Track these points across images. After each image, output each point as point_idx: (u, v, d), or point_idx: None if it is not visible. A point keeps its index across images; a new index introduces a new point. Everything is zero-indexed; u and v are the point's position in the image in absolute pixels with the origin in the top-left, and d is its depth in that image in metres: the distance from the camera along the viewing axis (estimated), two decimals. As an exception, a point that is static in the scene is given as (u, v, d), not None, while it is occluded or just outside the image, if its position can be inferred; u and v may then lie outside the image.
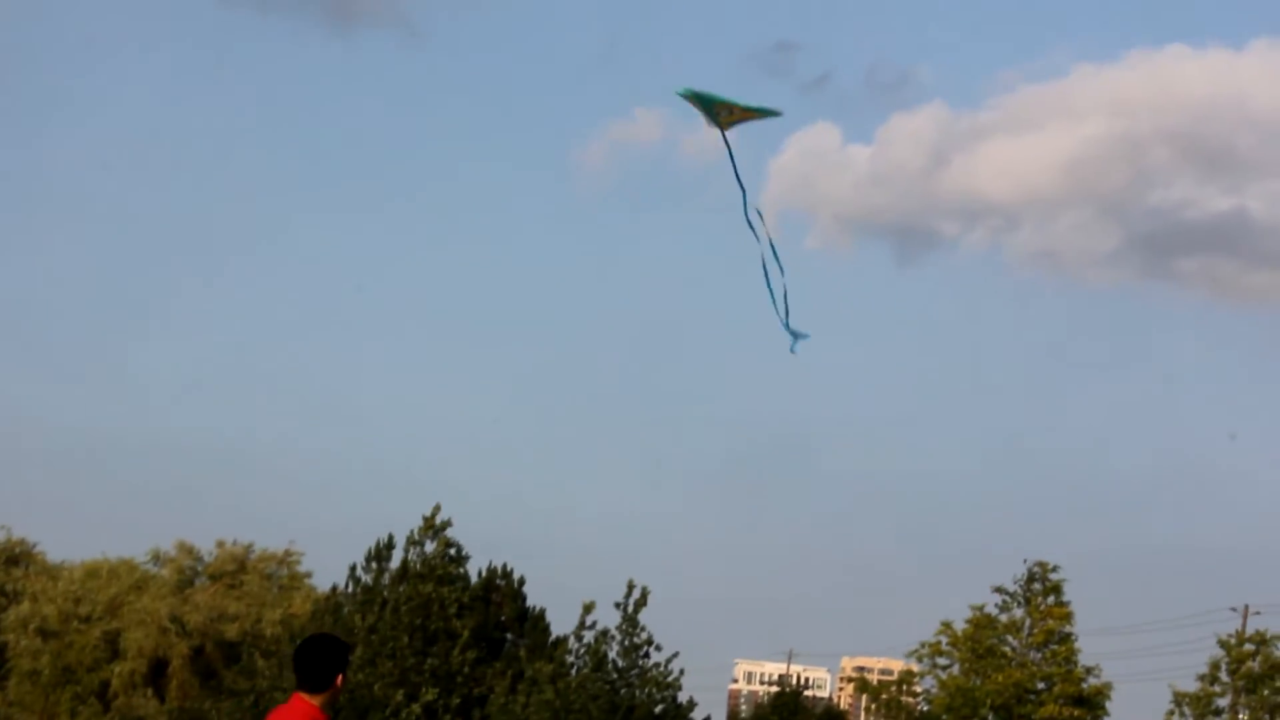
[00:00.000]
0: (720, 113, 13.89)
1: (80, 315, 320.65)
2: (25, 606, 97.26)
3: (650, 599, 74.91)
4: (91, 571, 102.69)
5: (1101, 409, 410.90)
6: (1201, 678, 79.42)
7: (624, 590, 74.91)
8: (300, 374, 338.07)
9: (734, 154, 13.66)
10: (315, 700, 8.59)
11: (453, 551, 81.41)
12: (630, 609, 74.33)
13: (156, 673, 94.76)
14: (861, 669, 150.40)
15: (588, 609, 77.11)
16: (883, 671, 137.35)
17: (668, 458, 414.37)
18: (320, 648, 8.92)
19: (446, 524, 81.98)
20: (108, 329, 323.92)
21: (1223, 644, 79.68)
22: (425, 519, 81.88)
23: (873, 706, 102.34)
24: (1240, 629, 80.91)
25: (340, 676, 8.63)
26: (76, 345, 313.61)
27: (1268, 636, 79.40)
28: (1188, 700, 79.01)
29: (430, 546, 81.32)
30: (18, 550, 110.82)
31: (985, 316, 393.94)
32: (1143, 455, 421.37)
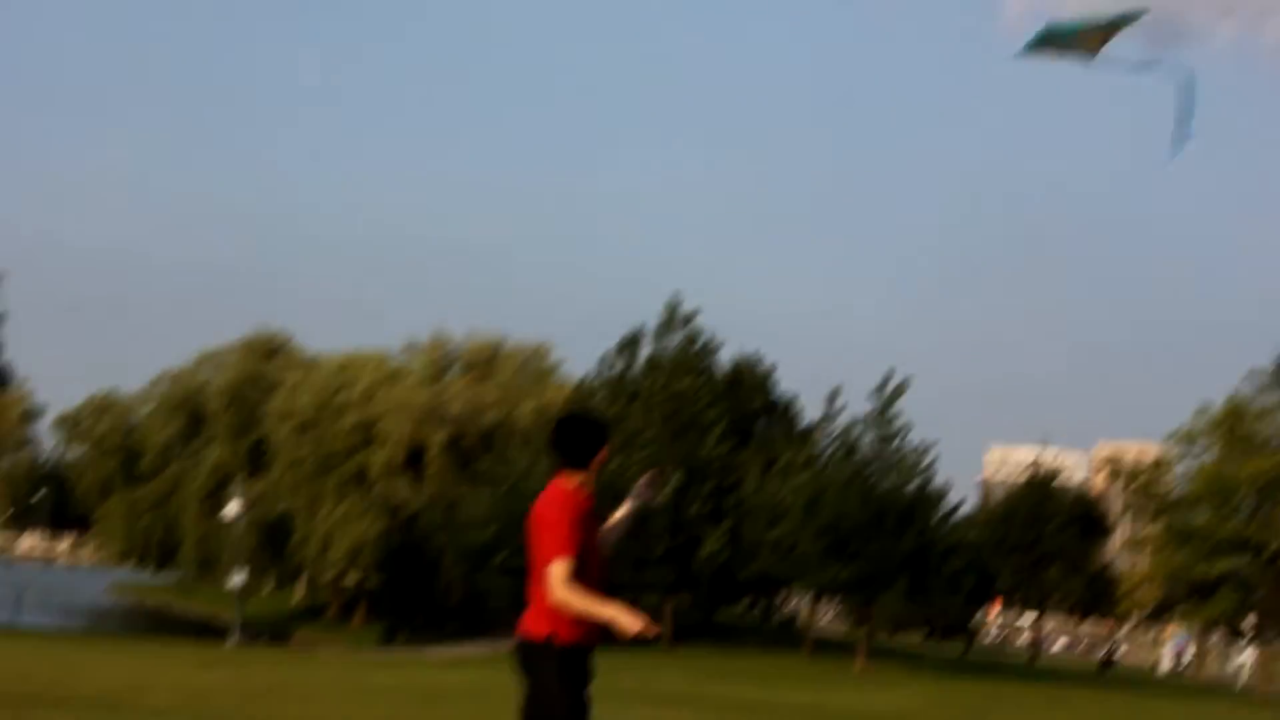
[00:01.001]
0: (1083, 41, 11.76)
1: (339, 106, 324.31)
2: (283, 397, 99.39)
3: (906, 390, 74.87)
4: (346, 363, 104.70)
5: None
6: None
7: (878, 380, 74.97)
8: (546, 172, 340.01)
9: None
10: (575, 479, 8.65)
11: (700, 343, 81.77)
12: (886, 398, 74.30)
13: (413, 459, 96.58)
14: (1116, 452, 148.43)
15: (833, 397, 77.25)
16: (1138, 454, 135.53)
17: (922, 243, 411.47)
18: (579, 425, 8.93)
19: (693, 314, 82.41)
20: (372, 123, 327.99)
21: None
22: (668, 308, 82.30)
23: (1127, 491, 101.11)
24: None
25: (600, 454, 8.64)
26: (336, 136, 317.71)
27: None
28: None
29: (677, 337, 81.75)
30: (275, 343, 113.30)
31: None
32: None
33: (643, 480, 8.83)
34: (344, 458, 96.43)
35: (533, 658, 8.18)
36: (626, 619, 8.10)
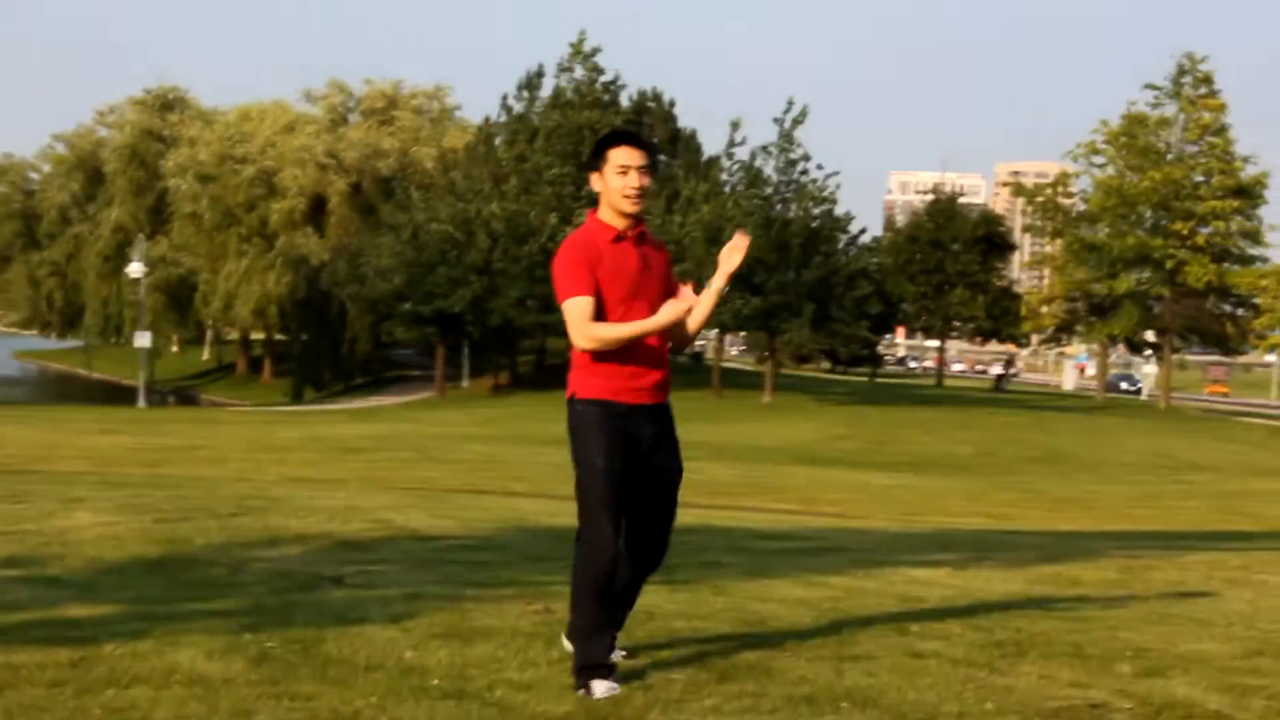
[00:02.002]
0: None
1: None
2: (182, 151, 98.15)
3: (806, 116, 74.58)
4: (245, 114, 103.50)
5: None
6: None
7: (781, 109, 74.70)
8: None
9: None
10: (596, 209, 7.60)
11: (603, 78, 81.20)
12: (787, 125, 74.09)
13: (315, 210, 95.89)
14: (1016, 173, 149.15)
15: (735, 126, 76.98)
16: (1038, 175, 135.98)
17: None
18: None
19: (595, 50, 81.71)
20: None
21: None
22: (573, 45, 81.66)
23: (1029, 209, 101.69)
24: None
25: (605, 158, 7.42)
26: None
27: None
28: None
29: (580, 73, 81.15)
30: (171, 96, 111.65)
31: None
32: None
33: (727, 247, 7.56)
34: (246, 210, 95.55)
35: (567, 420, 7.29)
36: (669, 310, 7.21)
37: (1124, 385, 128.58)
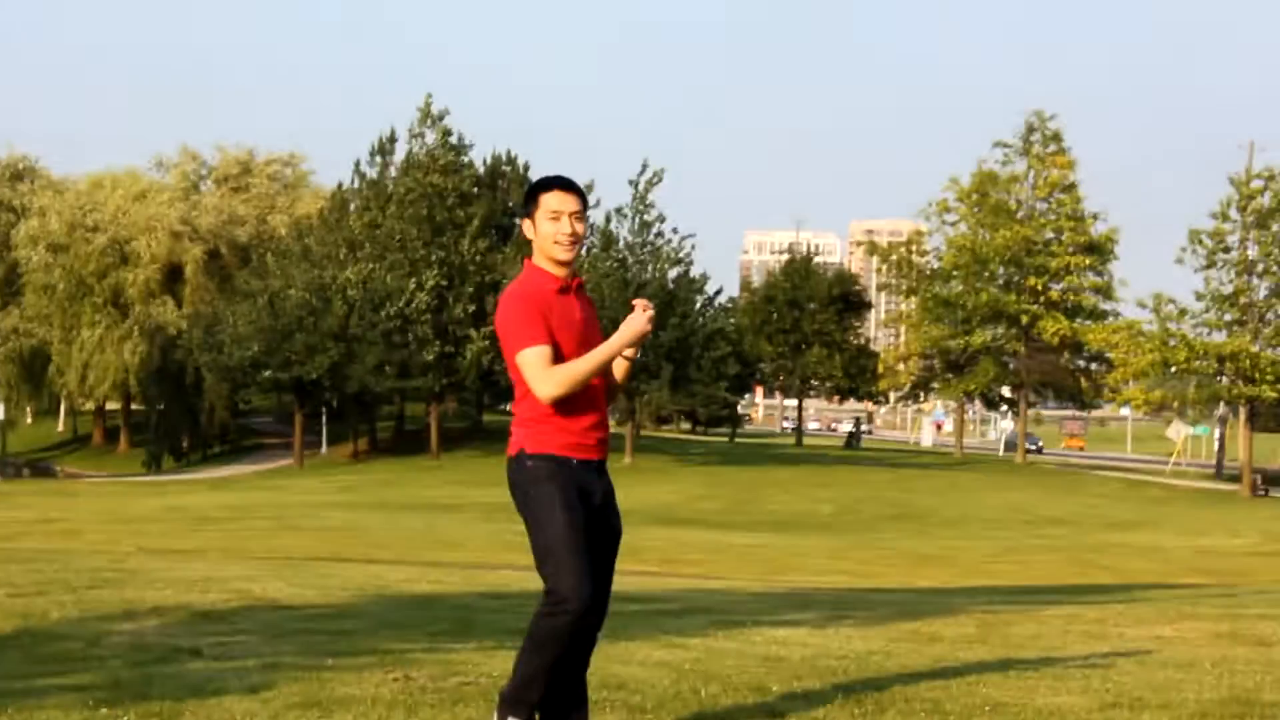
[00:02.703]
0: None
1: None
2: (33, 221, 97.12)
3: (661, 179, 74.91)
4: (97, 183, 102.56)
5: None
6: (1213, 215, 79.08)
7: (636, 170, 74.95)
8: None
9: None
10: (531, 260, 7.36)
11: (454, 140, 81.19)
12: (642, 188, 74.36)
13: (171, 278, 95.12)
14: (870, 232, 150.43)
15: (588, 189, 77.20)
16: (891, 233, 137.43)
17: (665, 25, 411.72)
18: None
19: (444, 113, 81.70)
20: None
21: (1233, 181, 79.13)
22: (421, 109, 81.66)
23: (883, 268, 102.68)
24: (1248, 165, 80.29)
25: (536, 204, 7.25)
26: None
27: (1276, 172, 78.89)
28: (1200, 238, 78.85)
29: (431, 138, 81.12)
30: (21, 166, 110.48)
31: None
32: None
33: (636, 314, 7.22)
34: (98, 279, 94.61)
35: (511, 480, 7.00)
36: (627, 330, 7.00)
37: (1030, 446, 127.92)
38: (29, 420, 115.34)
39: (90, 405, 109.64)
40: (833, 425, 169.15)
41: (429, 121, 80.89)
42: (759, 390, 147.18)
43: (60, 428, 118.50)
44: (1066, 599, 17.06)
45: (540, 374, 6.84)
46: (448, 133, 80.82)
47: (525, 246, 78.85)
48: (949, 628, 12.53)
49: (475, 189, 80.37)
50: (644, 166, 74.00)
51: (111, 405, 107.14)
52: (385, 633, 11.02)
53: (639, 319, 7.02)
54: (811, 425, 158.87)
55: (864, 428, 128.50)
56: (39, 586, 13.68)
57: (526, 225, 7.25)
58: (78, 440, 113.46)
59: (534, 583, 7.27)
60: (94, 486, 69.90)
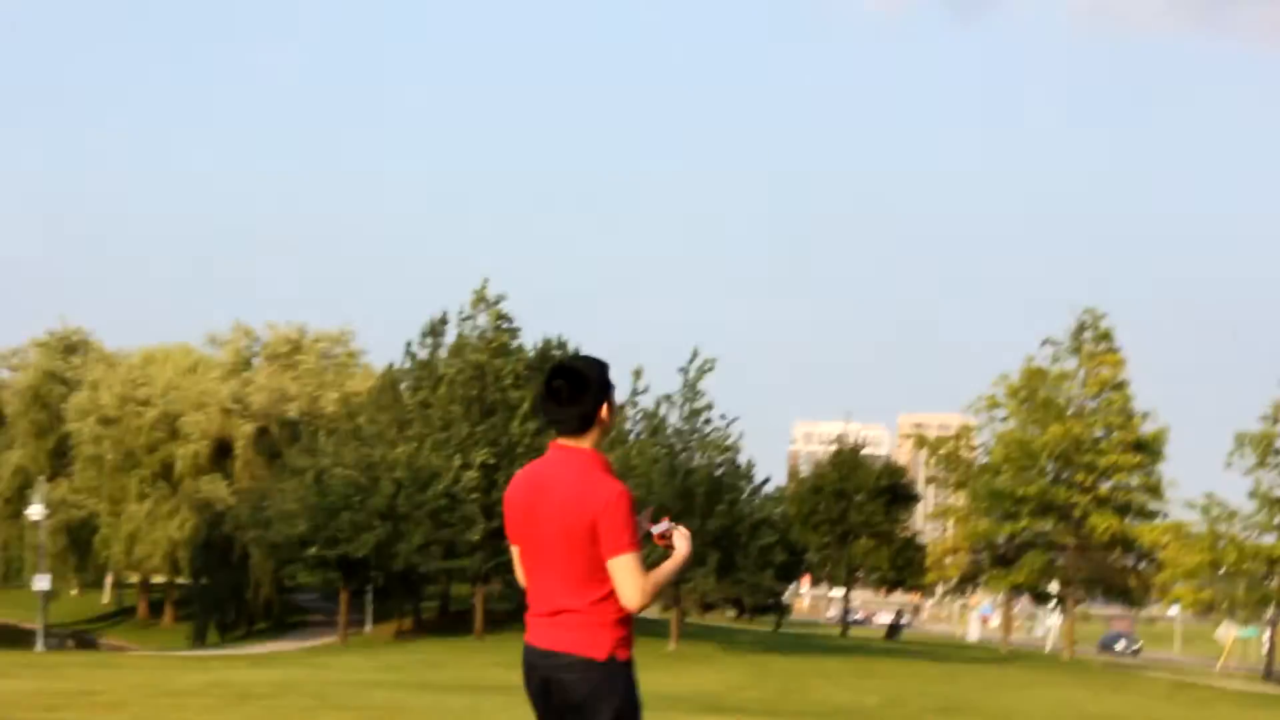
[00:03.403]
0: None
1: (126, 103, 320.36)
2: (85, 394, 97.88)
3: (712, 367, 75.19)
4: (149, 356, 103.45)
5: (1145, 154, 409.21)
6: (1263, 418, 79.02)
7: (687, 357, 75.23)
8: (339, 153, 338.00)
9: None
10: (585, 442, 6.93)
11: (506, 324, 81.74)
12: (692, 376, 74.60)
13: (220, 454, 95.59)
14: (919, 425, 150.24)
15: (637, 375, 77.64)
16: (940, 427, 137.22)
17: (719, 218, 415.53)
18: (590, 369, 7.07)
19: (500, 298, 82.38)
20: (157, 114, 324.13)
21: (1282, 385, 79.30)
22: (475, 293, 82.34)
23: (931, 461, 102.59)
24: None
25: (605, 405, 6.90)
26: (126, 133, 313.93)
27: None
28: (1250, 441, 78.68)
29: (483, 320, 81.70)
30: (74, 338, 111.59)
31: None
32: (1194, 196, 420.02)
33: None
34: (148, 453, 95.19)
35: (602, 689, 6.62)
36: (682, 545, 6.87)
37: (1119, 646, 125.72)
38: (74, 592, 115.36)
39: (136, 578, 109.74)
40: (871, 617, 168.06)
41: (482, 304, 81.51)
42: (806, 579, 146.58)
43: (105, 600, 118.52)
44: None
45: (640, 580, 6.66)
46: (501, 316, 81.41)
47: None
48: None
49: (526, 371, 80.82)
50: (694, 354, 74.30)
51: (157, 579, 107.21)
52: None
53: (685, 546, 6.97)
54: (864, 615, 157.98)
55: (905, 619, 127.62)
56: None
57: (605, 410, 6.98)
58: (122, 613, 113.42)
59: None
60: (137, 659, 69.78)
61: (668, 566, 6.89)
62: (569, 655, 6.79)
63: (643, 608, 6.71)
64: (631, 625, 6.79)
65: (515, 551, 7.06)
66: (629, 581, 6.62)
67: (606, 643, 6.72)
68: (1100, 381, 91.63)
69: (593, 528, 6.68)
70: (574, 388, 6.97)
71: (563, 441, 6.99)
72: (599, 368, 7.02)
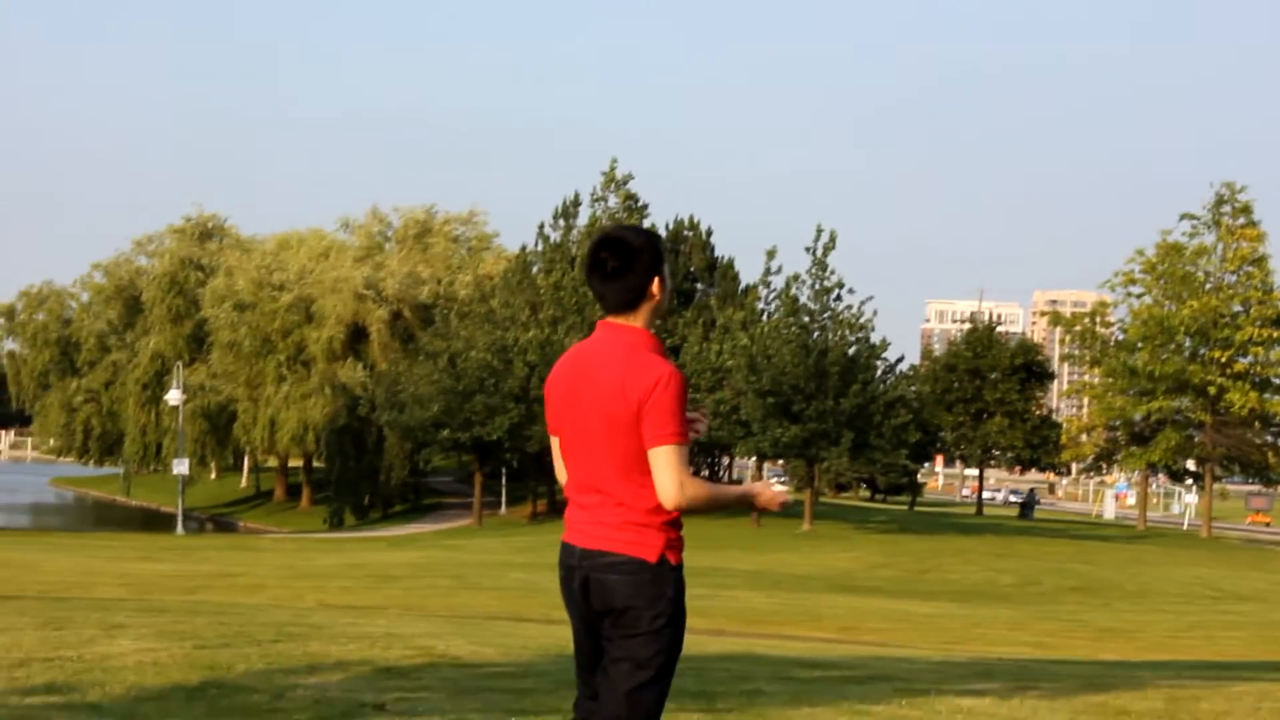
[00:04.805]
0: None
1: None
2: (221, 280, 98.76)
3: (841, 246, 74.79)
4: (283, 242, 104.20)
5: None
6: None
7: (812, 236, 74.85)
8: (473, 39, 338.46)
9: None
10: (636, 321, 6.38)
11: (637, 204, 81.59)
12: (819, 253, 74.21)
13: (355, 338, 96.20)
14: (1054, 302, 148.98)
15: (770, 255, 77.38)
16: (1075, 304, 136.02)
17: (848, 102, 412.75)
18: (638, 239, 6.41)
19: (628, 178, 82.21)
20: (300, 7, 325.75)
21: None
22: (605, 174, 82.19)
23: (1066, 338, 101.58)
24: None
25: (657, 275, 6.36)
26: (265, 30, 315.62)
27: None
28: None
29: (614, 201, 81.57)
30: (210, 225, 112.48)
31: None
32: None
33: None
34: (283, 337, 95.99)
35: (655, 592, 6.07)
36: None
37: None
38: (213, 476, 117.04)
39: (273, 462, 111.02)
40: (1005, 496, 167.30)
41: (612, 186, 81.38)
42: (939, 459, 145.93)
43: (243, 483, 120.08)
44: (1256, 675, 16.70)
45: (683, 478, 6.08)
46: (631, 197, 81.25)
47: (706, 311, 79.01)
48: (1136, 702, 12.30)
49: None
50: (819, 231, 73.82)
51: (294, 462, 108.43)
52: (567, 691, 11.00)
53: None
54: (995, 495, 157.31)
55: (1037, 498, 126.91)
56: (224, 639, 13.81)
57: (657, 284, 6.38)
58: (260, 496, 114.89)
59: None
60: (275, 542, 70.73)
61: (727, 489, 6.26)
62: (615, 554, 6.18)
63: (680, 509, 6.09)
64: (681, 527, 6.19)
65: (555, 443, 6.45)
66: (668, 476, 6.04)
67: (656, 543, 6.14)
68: (1240, 256, 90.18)
69: (638, 414, 6.11)
70: (621, 260, 6.32)
71: (611, 319, 6.41)
72: (650, 238, 6.39)
